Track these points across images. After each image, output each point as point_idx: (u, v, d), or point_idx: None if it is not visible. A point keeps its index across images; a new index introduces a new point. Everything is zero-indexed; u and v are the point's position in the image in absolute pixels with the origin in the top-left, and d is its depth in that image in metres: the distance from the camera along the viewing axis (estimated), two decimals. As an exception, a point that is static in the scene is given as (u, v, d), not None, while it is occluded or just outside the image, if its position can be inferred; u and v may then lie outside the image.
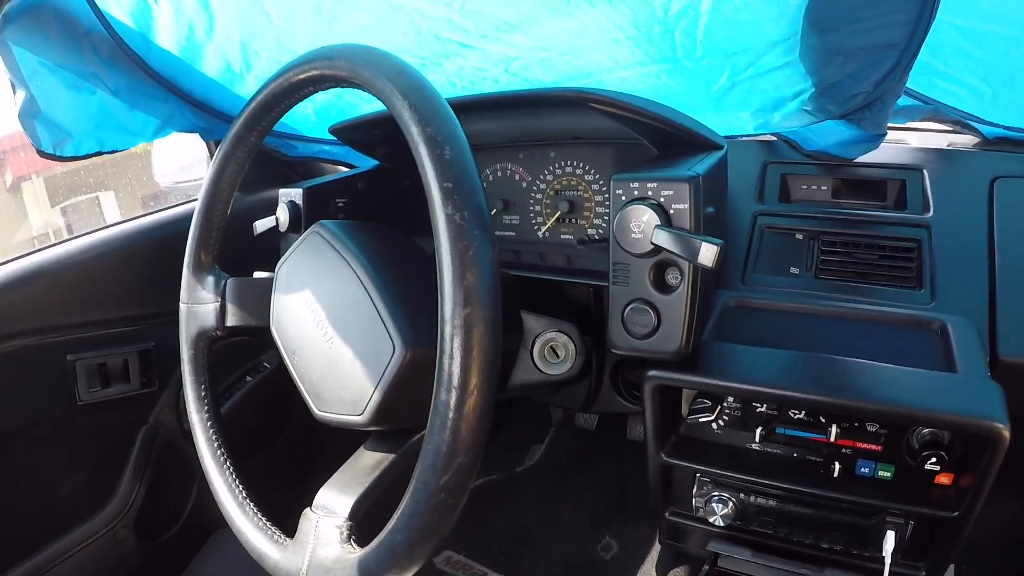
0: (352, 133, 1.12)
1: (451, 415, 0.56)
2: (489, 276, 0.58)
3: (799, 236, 1.09)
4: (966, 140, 1.29)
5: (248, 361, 1.48)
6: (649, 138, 0.97)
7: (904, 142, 1.37)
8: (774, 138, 1.28)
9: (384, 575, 0.62)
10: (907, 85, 1.07)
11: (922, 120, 1.27)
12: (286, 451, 1.54)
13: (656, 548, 1.55)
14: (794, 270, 1.05)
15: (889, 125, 1.14)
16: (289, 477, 1.53)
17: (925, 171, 1.14)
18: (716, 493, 0.95)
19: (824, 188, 1.19)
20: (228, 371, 1.44)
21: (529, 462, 1.82)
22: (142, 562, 1.30)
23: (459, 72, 1.21)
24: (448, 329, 0.56)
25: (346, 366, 0.72)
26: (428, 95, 0.63)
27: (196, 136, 1.37)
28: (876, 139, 1.15)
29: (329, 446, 1.58)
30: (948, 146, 1.29)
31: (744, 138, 1.28)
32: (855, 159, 1.18)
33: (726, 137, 1.00)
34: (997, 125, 1.19)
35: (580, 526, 1.67)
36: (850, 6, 0.90)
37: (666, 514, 1.02)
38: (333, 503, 0.71)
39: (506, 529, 1.67)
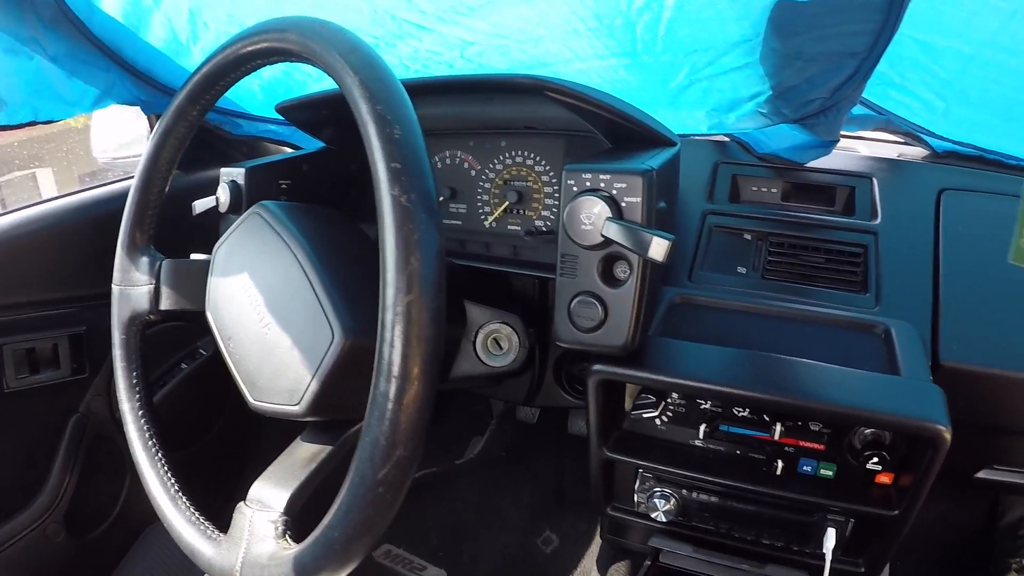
0: (299, 112, 1.09)
1: (390, 406, 0.54)
2: (434, 262, 0.56)
3: (747, 236, 1.10)
4: (916, 152, 1.31)
5: (183, 347, 1.42)
6: (603, 131, 0.96)
7: (855, 150, 1.39)
8: (727, 139, 1.28)
9: (320, 572, 0.60)
10: (863, 95, 1.08)
11: (874, 129, 1.28)
12: (222, 442, 1.49)
13: (597, 543, 1.56)
14: (741, 270, 1.05)
15: (841, 133, 1.14)
16: (225, 469, 1.49)
17: (875, 179, 1.15)
18: (658, 489, 0.95)
19: (774, 191, 1.19)
20: (163, 358, 1.38)
21: (469, 455, 1.81)
22: (73, 558, 1.25)
23: (413, 55, 1.18)
24: (389, 316, 0.54)
25: (283, 354, 0.69)
26: (381, 73, 0.61)
27: (137, 110, 1.31)
28: (828, 145, 1.16)
29: (267, 437, 1.54)
30: (898, 157, 1.31)
31: (697, 137, 1.28)
32: (806, 164, 1.19)
33: (680, 135, 1.00)
34: (947, 139, 1.21)
35: (520, 520, 1.66)
36: (815, 12, 0.90)
37: (608, 509, 1.02)
38: (268, 497, 0.68)
39: (445, 522, 1.66)
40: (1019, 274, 0.98)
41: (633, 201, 0.74)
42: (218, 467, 1.49)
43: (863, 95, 1.09)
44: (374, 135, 0.58)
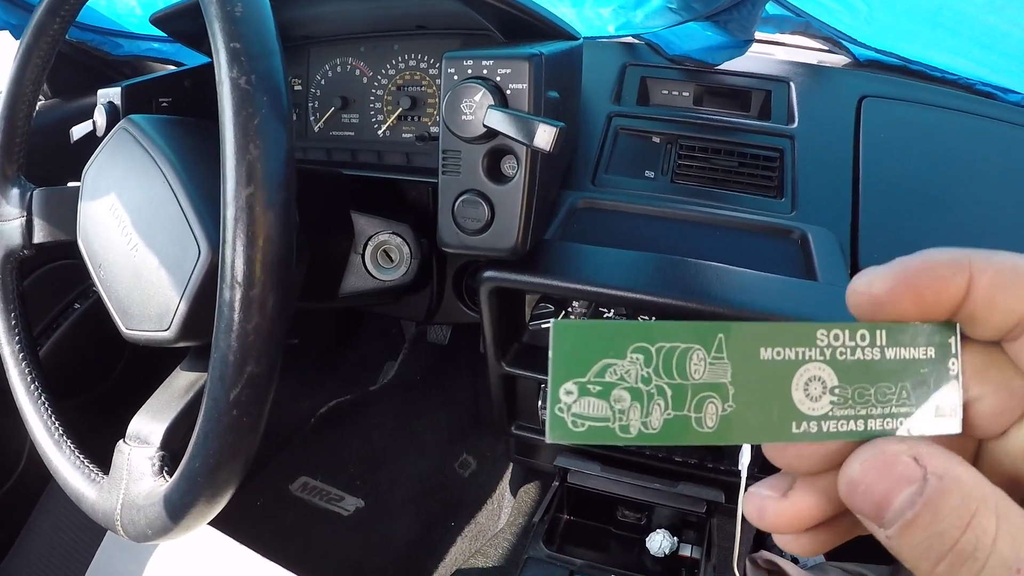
0: (175, 23, 0.99)
1: (236, 316, 0.49)
2: (279, 151, 0.50)
3: (656, 140, 1.04)
4: (836, 60, 1.28)
5: (76, 287, 1.34)
6: (497, 25, 0.89)
7: (772, 55, 1.35)
8: (636, 40, 1.22)
9: (192, 507, 0.56)
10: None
11: (792, 33, 1.24)
12: (126, 382, 1.41)
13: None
14: (649, 174, 0.99)
15: (758, 36, 1.10)
16: (129, 411, 1.38)
17: (792, 83, 1.10)
18: (563, 405, 0.91)
19: (686, 94, 1.14)
20: (55, 300, 1.29)
21: (383, 381, 1.76)
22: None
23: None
24: (230, 213, 0.48)
25: (151, 275, 0.64)
26: None
27: (6, 34, 1.19)
28: (742, 45, 1.11)
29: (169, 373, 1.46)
30: (818, 63, 1.27)
31: (604, 39, 1.21)
32: (719, 65, 1.13)
33: (585, 38, 0.93)
34: (869, 48, 1.17)
35: (437, 444, 1.63)
36: None
37: (512, 428, 0.98)
38: (146, 432, 0.64)
39: (362, 451, 1.62)
40: (940, 182, 0.96)
41: (518, 88, 0.68)
42: (124, 409, 1.39)
43: (781, -7, 1.05)
44: (214, 15, 0.52)
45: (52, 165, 0.82)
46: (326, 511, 1.49)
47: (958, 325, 0.27)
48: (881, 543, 0.26)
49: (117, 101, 0.94)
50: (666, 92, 1.14)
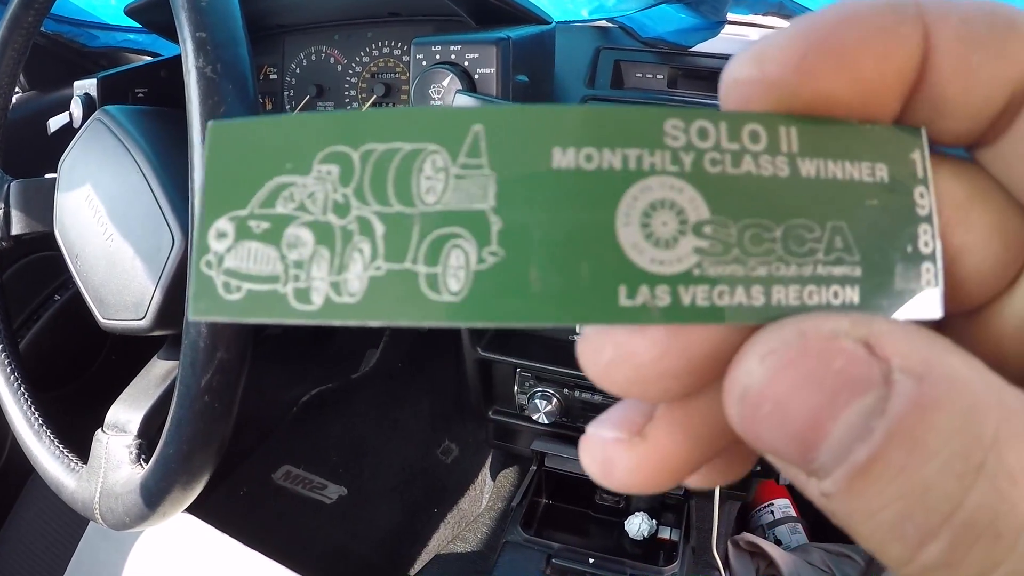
0: (150, 13, 1.00)
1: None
2: (244, 139, 0.50)
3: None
4: (810, 42, 1.27)
5: (56, 278, 1.34)
6: (468, 11, 0.89)
7: (746, 36, 1.35)
8: (609, 24, 1.22)
9: (167, 494, 0.57)
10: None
11: (765, 14, 1.23)
12: (108, 373, 1.40)
13: (495, 450, 1.54)
14: (624, 156, 0.99)
15: (731, 17, 1.10)
16: (110, 402, 1.38)
17: None
18: (539, 389, 0.92)
19: (660, 77, 1.14)
20: (35, 292, 1.29)
21: (364, 368, 1.76)
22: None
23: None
24: (198, 201, 0.48)
25: (126, 264, 0.64)
26: None
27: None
28: (715, 27, 1.11)
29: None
30: (791, 45, 1.27)
31: (578, 23, 1.21)
32: (693, 47, 1.13)
33: (559, 23, 0.94)
34: (841, 27, 1.16)
35: (419, 431, 1.64)
36: None
37: (489, 413, 0.99)
38: (124, 420, 0.65)
39: (344, 439, 1.62)
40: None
41: (486, 72, 0.68)
42: (105, 400, 1.39)
43: (753, -26, 1.05)
44: (180, 5, 0.53)
45: (29, 157, 0.82)
46: (309, 499, 1.49)
47: (923, 129, 0.17)
48: (818, 506, 0.15)
49: (93, 92, 0.94)
50: (640, 75, 1.14)
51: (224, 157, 0.16)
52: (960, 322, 0.18)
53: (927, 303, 0.16)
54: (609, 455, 0.17)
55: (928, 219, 0.16)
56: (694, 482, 0.19)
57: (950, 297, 0.17)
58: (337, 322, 0.15)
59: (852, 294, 0.16)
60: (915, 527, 0.13)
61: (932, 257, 0.16)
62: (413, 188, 0.15)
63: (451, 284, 0.14)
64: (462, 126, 0.15)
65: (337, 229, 0.15)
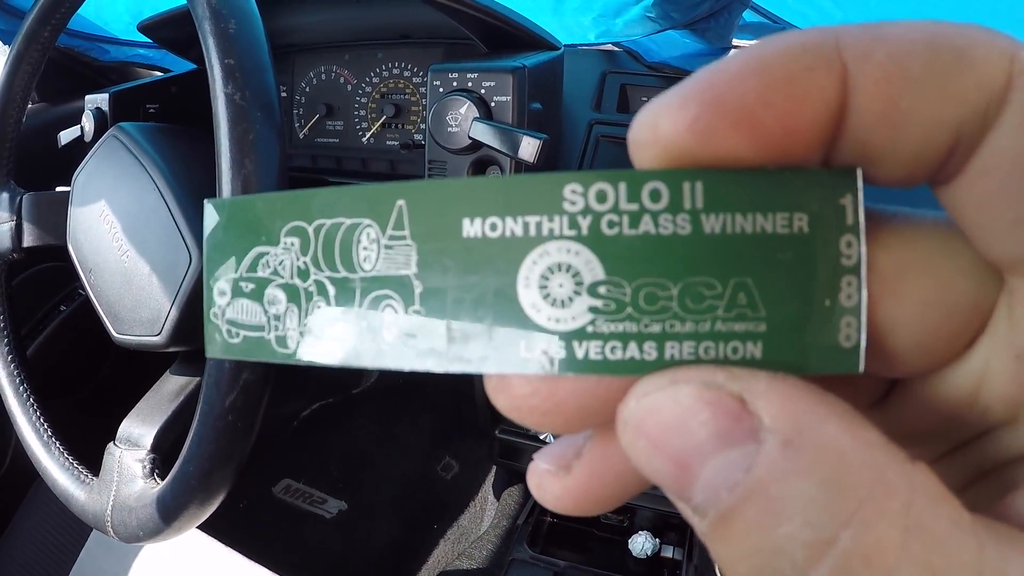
0: (163, 30, 1.01)
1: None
2: (272, 165, 0.51)
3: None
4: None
5: (62, 289, 1.35)
6: (479, 35, 0.91)
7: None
8: (616, 48, 1.23)
9: (184, 510, 0.57)
10: (757, 2, 1.05)
11: (770, 40, 1.25)
12: (112, 383, 1.41)
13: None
14: (629, 180, 1.01)
15: (736, 43, 1.11)
16: (117, 412, 1.38)
17: None
18: (546, 409, 0.93)
19: (665, 101, 1.15)
20: (41, 302, 1.30)
21: (366, 384, 1.77)
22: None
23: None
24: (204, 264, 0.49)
25: (142, 281, 0.65)
26: None
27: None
28: (720, 53, 1.13)
29: (158, 375, 1.46)
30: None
31: (585, 47, 1.23)
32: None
33: (566, 46, 0.95)
34: (843, 53, 1.18)
35: (420, 447, 1.64)
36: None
37: (496, 432, 1.00)
38: (136, 435, 0.66)
39: (345, 454, 1.62)
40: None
41: (503, 100, 0.70)
42: (109, 410, 1.39)
43: (757, 1, 1.06)
44: (209, 32, 0.53)
45: (38, 169, 0.82)
46: (309, 513, 1.50)
47: (859, 171, 0.16)
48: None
49: (105, 107, 0.95)
50: (645, 99, 1.14)
51: (217, 229, 0.20)
52: (903, 385, 0.18)
53: (844, 358, 0.16)
54: (542, 482, 0.19)
55: (854, 270, 0.16)
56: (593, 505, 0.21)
57: (879, 368, 0.16)
58: (304, 363, 0.19)
59: (754, 349, 0.16)
60: None
61: (855, 310, 0.16)
62: (354, 257, 0.18)
63: (386, 335, 0.17)
64: (388, 202, 0.17)
65: (302, 290, 0.19)
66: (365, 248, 0.17)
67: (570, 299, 0.16)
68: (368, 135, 1.05)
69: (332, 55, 1.08)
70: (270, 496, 1.52)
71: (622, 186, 0.15)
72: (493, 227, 0.16)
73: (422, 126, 1.01)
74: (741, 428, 0.14)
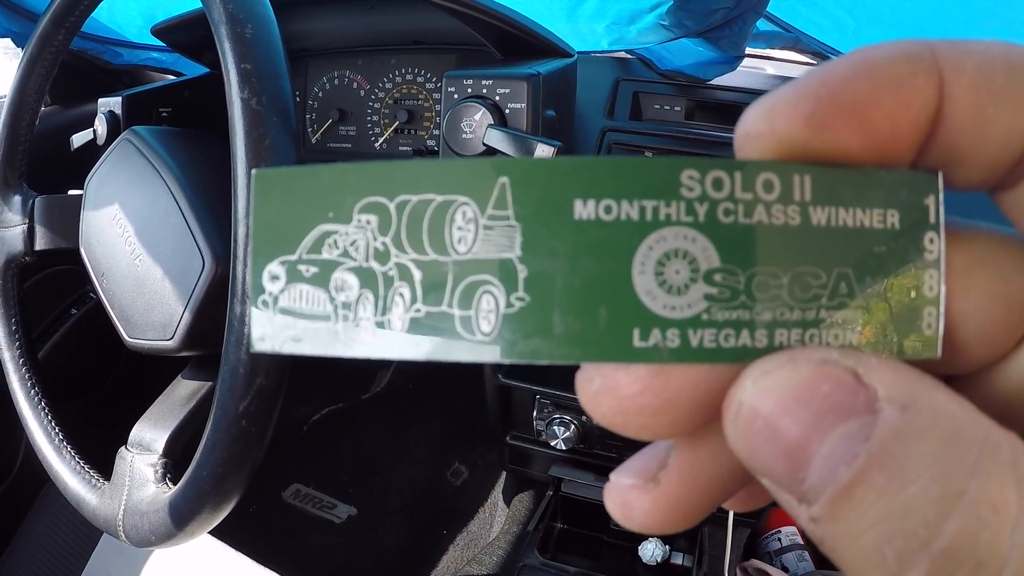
0: (176, 34, 1.02)
1: (246, 330, 0.50)
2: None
3: (648, 154, 1.06)
4: (826, 74, 1.29)
5: (73, 293, 1.35)
6: (493, 42, 0.91)
7: (762, 70, 1.36)
8: (629, 55, 1.23)
9: (197, 515, 0.57)
10: (770, 11, 1.04)
11: (782, 48, 1.25)
12: (122, 387, 1.41)
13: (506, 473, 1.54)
14: (642, 188, 1.01)
15: (749, 51, 1.11)
16: (126, 416, 1.38)
17: None
18: (557, 416, 0.93)
19: (677, 109, 1.15)
20: (52, 305, 1.30)
21: (376, 389, 1.77)
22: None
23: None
24: (241, 230, 0.49)
25: (155, 286, 0.65)
26: None
27: (8, 43, 1.20)
28: (733, 61, 1.12)
29: (168, 379, 1.46)
30: (807, 76, 1.28)
31: (598, 54, 1.23)
32: (711, 80, 1.15)
33: (579, 53, 0.95)
34: (858, 61, 1.18)
35: (429, 453, 1.64)
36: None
37: (507, 438, 1.00)
38: (148, 439, 0.65)
39: (355, 459, 1.62)
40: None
41: (517, 107, 0.70)
42: (118, 414, 1.39)
43: (770, 10, 1.06)
44: (225, 36, 0.53)
45: (50, 172, 0.82)
46: (318, 518, 1.50)
47: (940, 174, 0.17)
48: (809, 536, 0.15)
49: (118, 110, 0.95)
50: (658, 107, 1.16)
51: (270, 204, 0.17)
52: (963, 382, 0.19)
53: (926, 345, 0.17)
54: (627, 499, 0.19)
55: (935, 264, 0.17)
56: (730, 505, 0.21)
57: (949, 360, 0.17)
58: (381, 357, 0.16)
59: (852, 336, 0.16)
60: (895, 552, 0.13)
61: (935, 300, 0.17)
62: (446, 238, 0.16)
63: (483, 326, 0.16)
64: (489, 179, 0.16)
65: (379, 275, 0.16)
66: (460, 228, 0.16)
67: (686, 286, 0.16)
68: (381, 140, 1.05)
69: (345, 60, 1.08)
70: (280, 501, 1.52)
71: (738, 175, 0.16)
72: (608, 210, 0.15)
73: (435, 132, 1.01)
74: (858, 400, 0.14)
